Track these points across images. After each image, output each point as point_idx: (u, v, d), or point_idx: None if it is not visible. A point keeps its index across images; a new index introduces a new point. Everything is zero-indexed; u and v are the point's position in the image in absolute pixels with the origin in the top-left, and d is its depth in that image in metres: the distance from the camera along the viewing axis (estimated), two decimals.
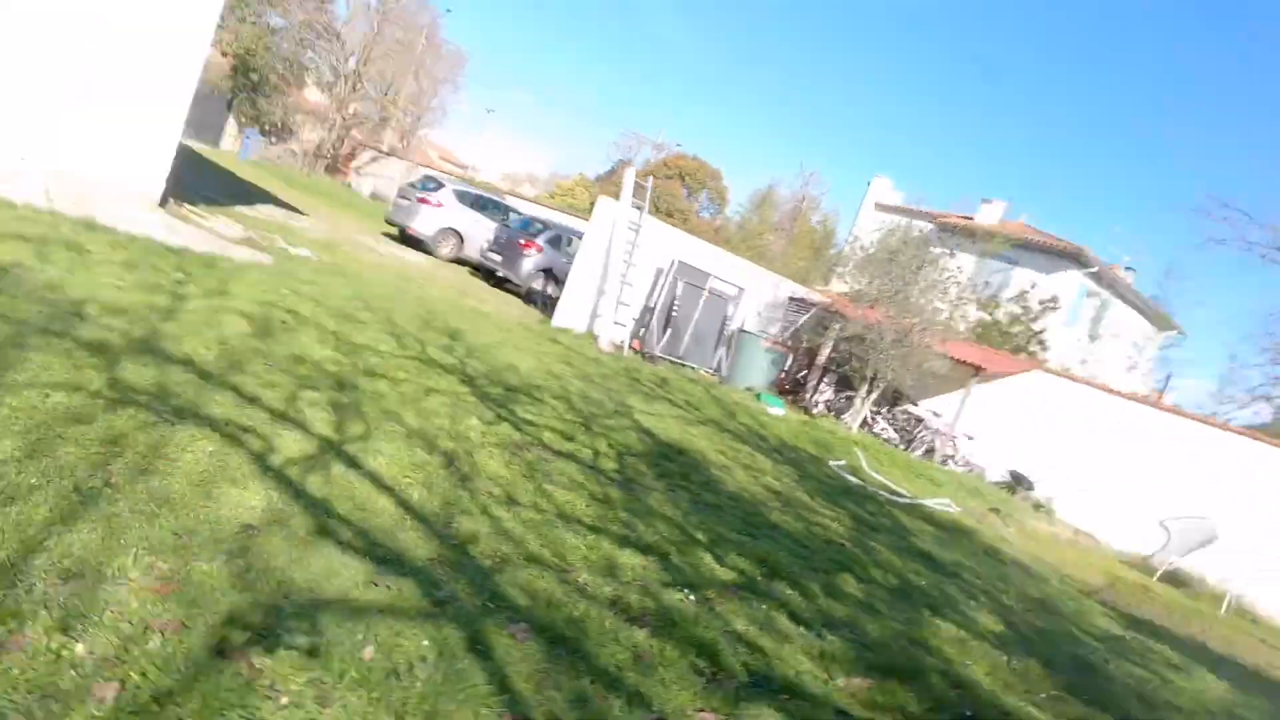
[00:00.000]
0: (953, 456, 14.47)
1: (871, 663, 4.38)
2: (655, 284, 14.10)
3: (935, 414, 14.85)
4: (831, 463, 10.92)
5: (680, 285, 13.85)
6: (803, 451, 11.31)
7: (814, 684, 3.91)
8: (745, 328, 14.80)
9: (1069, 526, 13.38)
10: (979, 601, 6.74)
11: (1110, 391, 14.22)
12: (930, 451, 14.43)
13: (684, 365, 14.27)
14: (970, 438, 14.77)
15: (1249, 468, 12.49)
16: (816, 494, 8.72)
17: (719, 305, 14.47)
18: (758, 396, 13.80)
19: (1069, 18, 69.59)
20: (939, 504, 10.81)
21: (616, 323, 13.28)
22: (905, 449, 14.37)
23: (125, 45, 9.37)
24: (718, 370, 14.67)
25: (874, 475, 11.13)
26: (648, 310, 14.02)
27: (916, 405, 15.17)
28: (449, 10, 63.59)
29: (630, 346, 13.78)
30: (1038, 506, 13.65)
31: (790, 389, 16.22)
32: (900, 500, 10.22)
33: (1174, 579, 12.09)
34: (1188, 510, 12.65)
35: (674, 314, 13.95)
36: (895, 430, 14.80)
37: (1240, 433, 13.16)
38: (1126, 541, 13.24)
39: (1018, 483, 14.06)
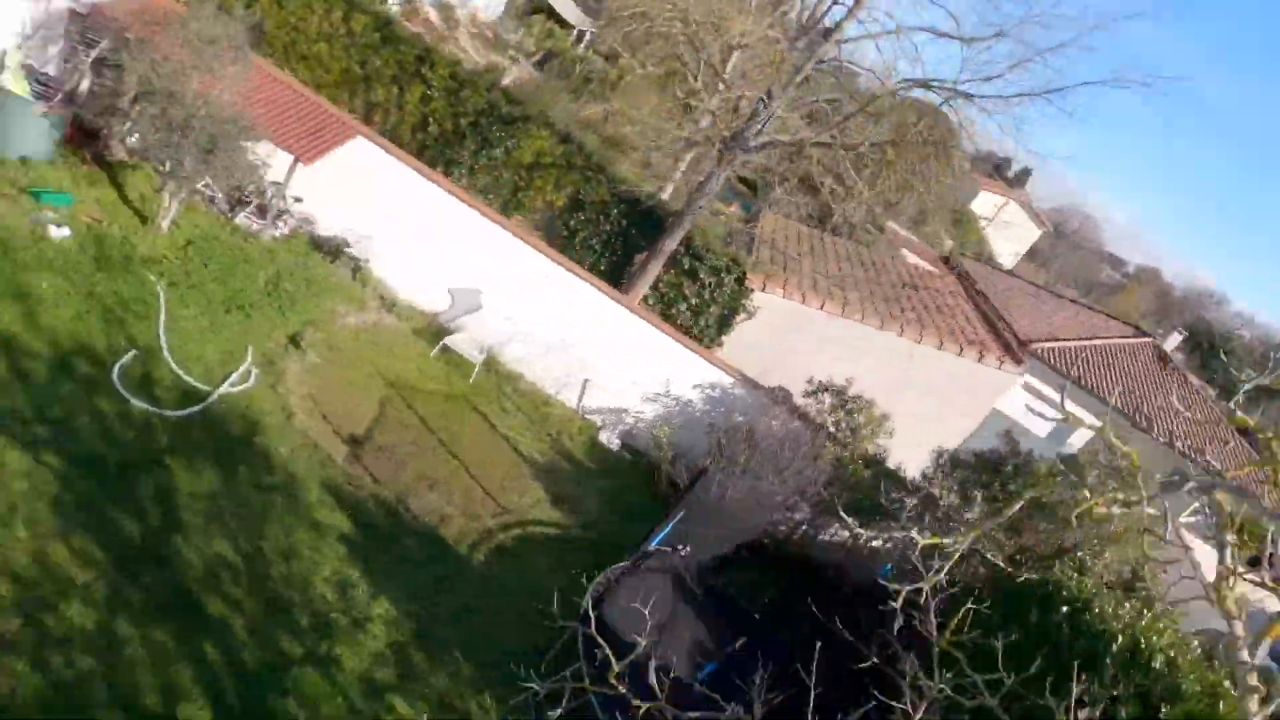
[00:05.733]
0: (286, 212, 13.16)
1: None
2: None
3: (278, 184, 13.05)
4: (116, 367, 8.98)
5: None
6: (80, 350, 8.91)
7: None
8: (3, 83, 10.78)
9: (381, 299, 13.54)
10: None
11: (422, 173, 14.31)
12: (277, 216, 12.88)
13: None
14: (298, 199, 13.45)
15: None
16: None
17: None
18: (36, 197, 10.24)
19: None
20: (237, 385, 9.89)
21: None
22: (258, 228, 12.44)
23: None
24: None
25: (170, 363, 9.52)
26: None
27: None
28: None
29: None
30: (356, 270, 13.43)
31: (90, 134, 11.73)
32: (190, 412, 9.17)
33: (446, 349, 13.17)
34: (467, 280, 14.01)
35: None
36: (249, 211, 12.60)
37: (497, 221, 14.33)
38: (428, 303, 14.08)
39: (337, 252, 13.48)
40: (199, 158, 10.58)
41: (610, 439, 13.32)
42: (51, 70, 11.13)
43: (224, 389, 9.72)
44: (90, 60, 10.98)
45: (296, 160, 12.15)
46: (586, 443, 13.10)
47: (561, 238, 17.34)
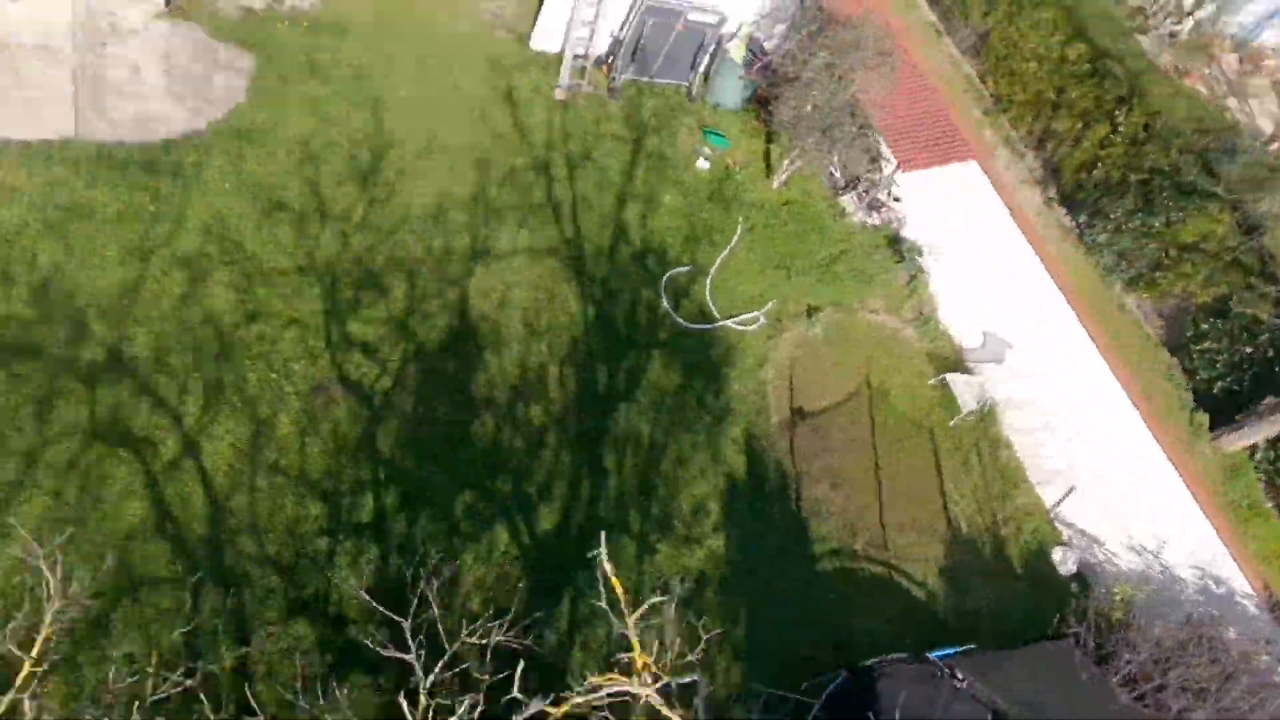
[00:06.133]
0: (885, 205, 14.00)
1: None
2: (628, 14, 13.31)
3: (886, 179, 13.89)
4: (668, 273, 11.79)
5: (649, 21, 12.95)
6: (657, 251, 11.89)
7: None
8: (730, 47, 13.77)
9: (920, 313, 13.43)
10: None
11: (1015, 217, 14.69)
12: (874, 207, 13.95)
13: (654, 85, 13.68)
14: (898, 198, 14.03)
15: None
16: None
17: (695, 34, 13.28)
18: (705, 134, 13.45)
19: None
20: (742, 324, 11.84)
21: (576, 55, 13.02)
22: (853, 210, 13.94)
23: None
24: (690, 89, 13.85)
25: (708, 287, 11.91)
26: (617, 41, 13.30)
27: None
28: None
29: (605, 71, 13.58)
30: (913, 278, 13.52)
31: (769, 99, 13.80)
32: (695, 327, 11.57)
33: (944, 383, 12.73)
34: (1005, 331, 13.66)
35: (643, 45, 13.20)
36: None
37: None
38: (958, 334, 13.52)
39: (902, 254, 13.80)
40: (816, 138, 12.42)
41: (1065, 561, 11.66)
42: (771, 44, 14.02)
43: (729, 322, 11.82)
44: (793, 41, 13.51)
45: (898, 165, 13.11)
46: (1032, 548, 11.74)
47: (1185, 338, 14.68)
